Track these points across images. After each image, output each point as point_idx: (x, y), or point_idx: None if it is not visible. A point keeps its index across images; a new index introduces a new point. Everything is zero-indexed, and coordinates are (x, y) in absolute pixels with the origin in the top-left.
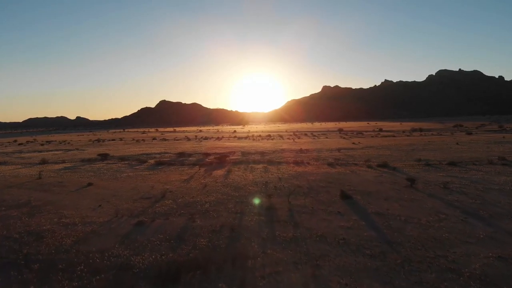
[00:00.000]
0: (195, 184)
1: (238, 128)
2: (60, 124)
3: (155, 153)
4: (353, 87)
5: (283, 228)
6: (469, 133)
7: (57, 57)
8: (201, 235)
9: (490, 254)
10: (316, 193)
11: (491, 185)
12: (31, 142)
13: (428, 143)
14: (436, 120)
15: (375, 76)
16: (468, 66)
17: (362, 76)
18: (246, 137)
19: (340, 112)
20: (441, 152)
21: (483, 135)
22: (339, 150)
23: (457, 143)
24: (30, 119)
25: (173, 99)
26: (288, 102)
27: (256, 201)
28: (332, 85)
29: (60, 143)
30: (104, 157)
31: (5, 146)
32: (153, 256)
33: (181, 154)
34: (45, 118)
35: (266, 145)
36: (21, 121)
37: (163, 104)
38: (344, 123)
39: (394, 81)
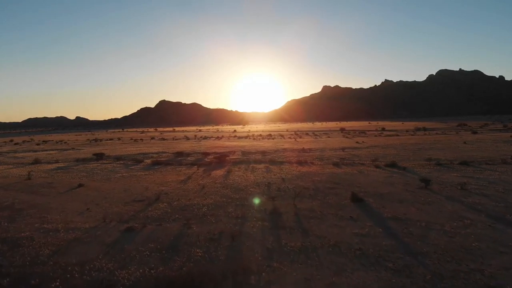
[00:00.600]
0: (193, 186)
1: (238, 128)
2: (59, 124)
3: (153, 153)
4: (353, 87)
5: (290, 236)
6: (475, 132)
7: (57, 57)
8: (197, 244)
9: None
10: (324, 195)
11: (511, 186)
12: (28, 141)
13: (434, 142)
14: (437, 120)
15: (375, 76)
16: (468, 66)
17: (362, 76)
18: (246, 137)
19: (340, 112)
20: (449, 151)
21: (488, 134)
22: (343, 149)
23: (465, 142)
24: (29, 119)
25: (173, 99)
26: (288, 102)
27: (258, 203)
28: (332, 85)
29: (57, 142)
30: (99, 156)
31: (1, 146)
32: (141, 270)
33: (179, 154)
34: (45, 118)
35: (267, 144)
36: (20, 121)
37: (163, 104)
38: (345, 122)
39: (395, 81)
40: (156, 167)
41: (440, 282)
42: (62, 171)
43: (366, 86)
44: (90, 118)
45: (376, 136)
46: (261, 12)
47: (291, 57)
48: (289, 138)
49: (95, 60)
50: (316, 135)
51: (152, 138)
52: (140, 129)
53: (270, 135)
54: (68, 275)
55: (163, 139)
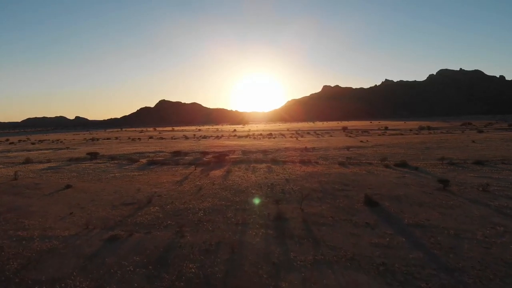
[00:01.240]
0: (189, 187)
1: (238, 127)
2: (59, 124)
3: (149, 152)
4: (354, 87)
5: (299, 247)
6: (481, 131)
7: (56, 57)
8: (190, 257)
9: None
10: (333, 198)
11: None
12: (24, 141)
13: (441, 141)
14: (438, 119)
15: (375, 76)
16: (469, 66)
17: (363, 76)
18: (246, 136)
19: (341, 112)
20: (459, 150)
21: (494, 133)
22: (347, 148)
23: (473, 141)
24: (29, 119)
25: (173, 99)
26: (288, 102)
27: (261, 207)
28: (332, 85)
29: (53, 142)
30: (93, 156)
31: None
32: None
33: (177, 153)
34: (44, 118)
35: (268, 143)
36: (20, 121)
37: (163, 104)
38: (345, 122)
39: (395, 80)
40: (151, 167)
41: None
42: (52, 171)
43: (366, 86)
44: (90, 118)
45: (379, 135)
46: (261, 12)
47: (291, 57)
48: (290, 137)
49: (95, 60)
50: (318, 134)
51: (151, 137)
52: (139, 129)
53: (270, 134)
54: None
55: (162, 138)
